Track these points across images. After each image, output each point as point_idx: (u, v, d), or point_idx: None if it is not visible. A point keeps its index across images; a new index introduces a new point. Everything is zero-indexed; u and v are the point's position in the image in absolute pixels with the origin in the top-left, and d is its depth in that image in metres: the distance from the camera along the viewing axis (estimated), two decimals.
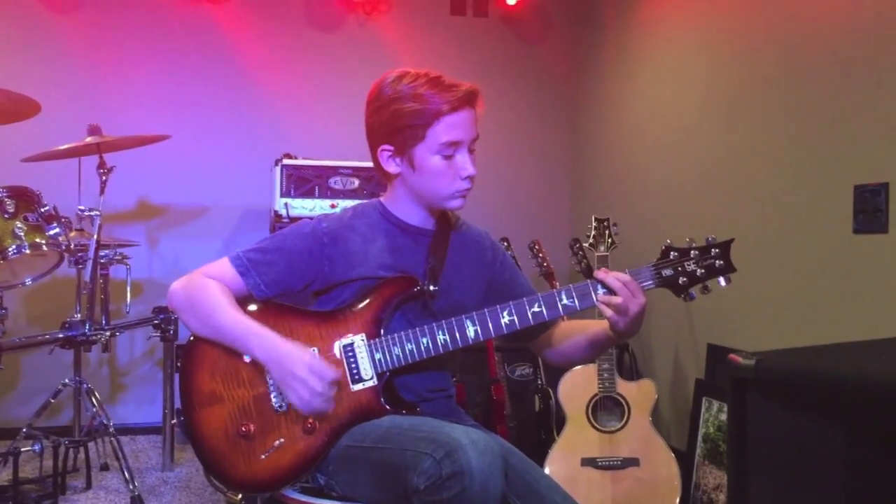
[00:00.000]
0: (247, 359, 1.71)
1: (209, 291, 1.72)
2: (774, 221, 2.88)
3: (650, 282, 1.67)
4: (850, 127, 2.55)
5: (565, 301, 1.67)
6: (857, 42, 2.52)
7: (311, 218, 1.85)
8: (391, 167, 1.77)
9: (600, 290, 1.66)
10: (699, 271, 1.66)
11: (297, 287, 1.79)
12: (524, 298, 1.69)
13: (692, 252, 1.67)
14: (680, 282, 1.66)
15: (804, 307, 2.73)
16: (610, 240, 2.97)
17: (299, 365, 1.61)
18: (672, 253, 1.67)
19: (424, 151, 1.71)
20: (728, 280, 1.67)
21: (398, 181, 1.80)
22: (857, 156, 2.51)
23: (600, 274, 1.66)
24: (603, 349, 1.89)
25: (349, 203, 2.52)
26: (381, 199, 1.87)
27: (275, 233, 1.89)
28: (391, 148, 1.74)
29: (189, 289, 1.75)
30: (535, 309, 1.68)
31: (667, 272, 1.66)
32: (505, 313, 1.68)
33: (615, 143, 4.23)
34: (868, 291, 2.46)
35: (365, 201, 1.90)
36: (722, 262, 1.66)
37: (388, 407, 1.69)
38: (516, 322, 1.68)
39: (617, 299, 1.63)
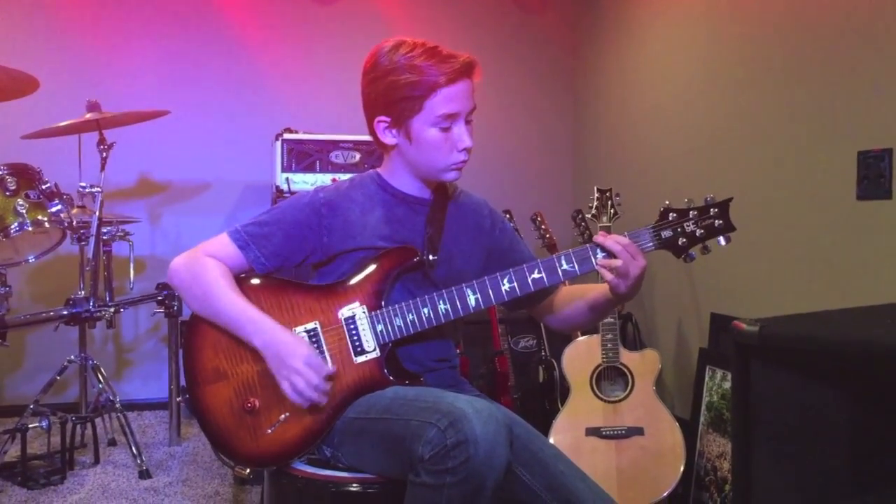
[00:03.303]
0: None
1: (209, 274, 1.72)
2: (778, 188, 2.86)
3: (650, 244, 1.66)
4: (853, 93, 2.52)
5: (565, 266, 1.66)
6: (860, 6, 2.49)
7: (308, 191, 1.84)
8: (388, 138, 1.76)
9: (599, 254, 1.65)
10: (698, 231, 1.65)
11: (297, 259, 1.78)
12: (524, 265, 1.68)
13: (691, 212, 1.65)
14: (679, 243, 1.65)
15: (808, 274, 2.72)
16: (613, 210, 2.96)
17: (296, 357, 1.62)
18: (671, 214, 1.66)
19: (421, 123, 1.69)
20: (728, 239, 1.66)
21: (395, 152, 1.79)
22: (860, 122, 2.49)
23: (599, 238, 1.65)
24: (604, 313, 1.87)
25: None
26: (378, 170, 1.86)
27: (273, 206, 1.88)
28: (388, 119, 1.73)
29: (190, 268, 1.75)
30: (535, 275, 1.67)
31: (666, 233, 1.66)
32: (505, 280, 1.67)
33: (617, 113, 4.21)
34: (871, 257, 2.45)
35: (362, 173, 1.90)
36: (721, 221, 1.65)
37: (391, 378, 1.69)
38: (517, 289, 1.67)
39: (617, 262, 1.62)
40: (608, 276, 1.64)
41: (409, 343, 1.74)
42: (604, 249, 1.64)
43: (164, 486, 3.10)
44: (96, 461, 3.34)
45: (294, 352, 1.63)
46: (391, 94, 1.69)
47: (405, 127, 1.71)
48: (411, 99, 1.67)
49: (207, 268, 1.73)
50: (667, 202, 1.67)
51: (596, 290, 1.80)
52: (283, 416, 1.68)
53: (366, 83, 1.75)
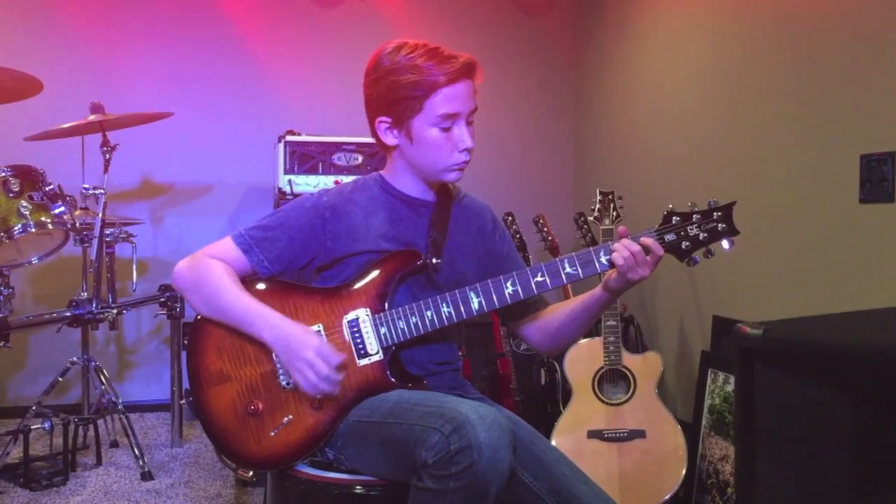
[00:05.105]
0: None
1: (214, 273, 1.73)
2: (780, 192, 2.86)
3: None
4: (856, 96, 2.52)
5: (568, 269, 1.66)
6: (864, 9, 2.50)
7: (311, 194, 1.84)
8: (389, 139, 1.76)
9: (603, 257, 1.65)
10: (702, 235, 1.65)
11: (300, 262, 1.78)
12: (527, 268, 1.68)
13: (694, 216, 1.66)
14: (683, 246, 1.65)
15: (810, 277, 2.72)
16: (615, 213, 2.96)
17: (307, 348, 1.62)
18: (674, 218, 1.66)
19: (422, 123, 1.70)
20: (732, 243, 1.66)
21: (396, 153, 1.79)
22: (863, 125, 2.49)
23: (617, 244, 1.63)
24: (591, 315, 1.82)
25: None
26: (381, 172, 1.87)
27: (276, 209, 1.89)
28: (388, 120, 1.74)
29: (194, 269, 1.76)
30: (539, 278, 1.67)
31: (669, 237, 1.66)
32: (508, 283, 1.67)
33: (619, 116, 4.21)
34: (874, 261, 2.45)
35: (365, 175, 1.90)
36: (724, 224, 1.65)
37: (394, 381, 1.69)
38: (520, 292, 1.67)
39: (632, 252, 1.62)
40: (619, 260, 1.61)
41: (412, 346, 1.74)
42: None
43: (166, 487, 3.10)
44: (98, 463, 3.34)
45: (305, 343, 1.62)
46: (392, 93, 1.70)
47: (406, 127, 1.72)
48: (412, 99, 1.68)
49: (211, 267, 1.74)
50: (670, 205, 1.68)
51: (581, 297, 1.78)
52: (286, 418, 1.69)
53: (367, 84, 1.76)
